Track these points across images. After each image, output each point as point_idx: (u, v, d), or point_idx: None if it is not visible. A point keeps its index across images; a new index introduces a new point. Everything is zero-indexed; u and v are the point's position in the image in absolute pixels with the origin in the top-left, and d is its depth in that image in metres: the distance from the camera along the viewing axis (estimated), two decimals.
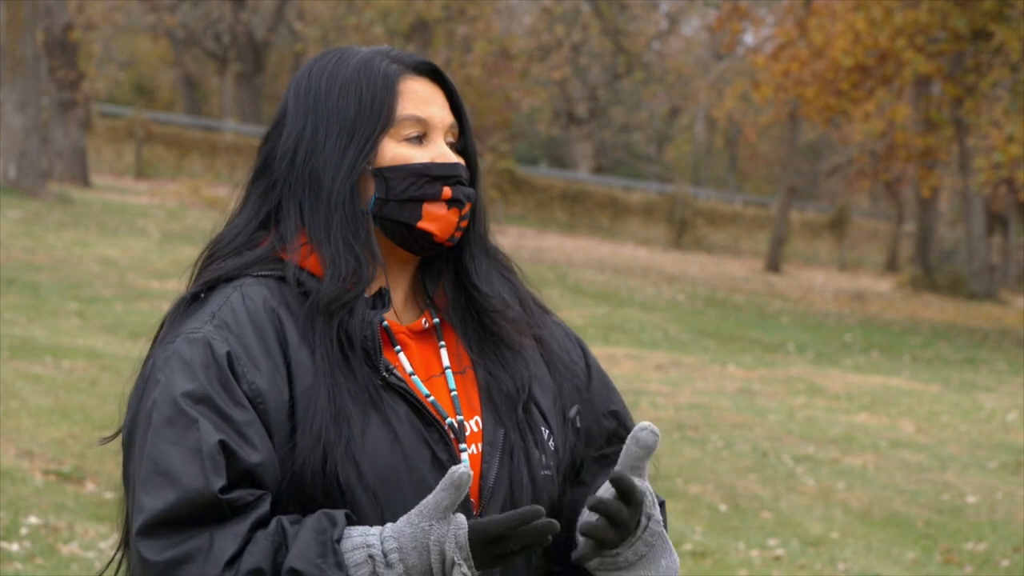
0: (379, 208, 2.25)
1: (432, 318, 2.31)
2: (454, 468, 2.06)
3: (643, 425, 2.22)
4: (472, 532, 2.08)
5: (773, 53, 27.45)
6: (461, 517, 2.09)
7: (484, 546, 2.08)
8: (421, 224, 2.25)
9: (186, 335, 2.18)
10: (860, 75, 24.70)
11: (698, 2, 39.01)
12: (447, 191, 2.25)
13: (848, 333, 20.47)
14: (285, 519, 2.10)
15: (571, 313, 18.50)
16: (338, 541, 2.07)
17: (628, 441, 2.22)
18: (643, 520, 2.21)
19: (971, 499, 10.03)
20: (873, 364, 17.19)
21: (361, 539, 2.08)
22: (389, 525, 2.10)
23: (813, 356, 17.34)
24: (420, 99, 2.27)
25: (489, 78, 32.97)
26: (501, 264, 2.39)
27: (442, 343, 2.30)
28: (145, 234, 21.38)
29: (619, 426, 2.43)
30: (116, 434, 2.26)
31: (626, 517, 2.19)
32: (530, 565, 2.28)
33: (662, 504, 2.33)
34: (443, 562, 2.06)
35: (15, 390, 9.96)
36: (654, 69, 41.82)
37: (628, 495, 2.18)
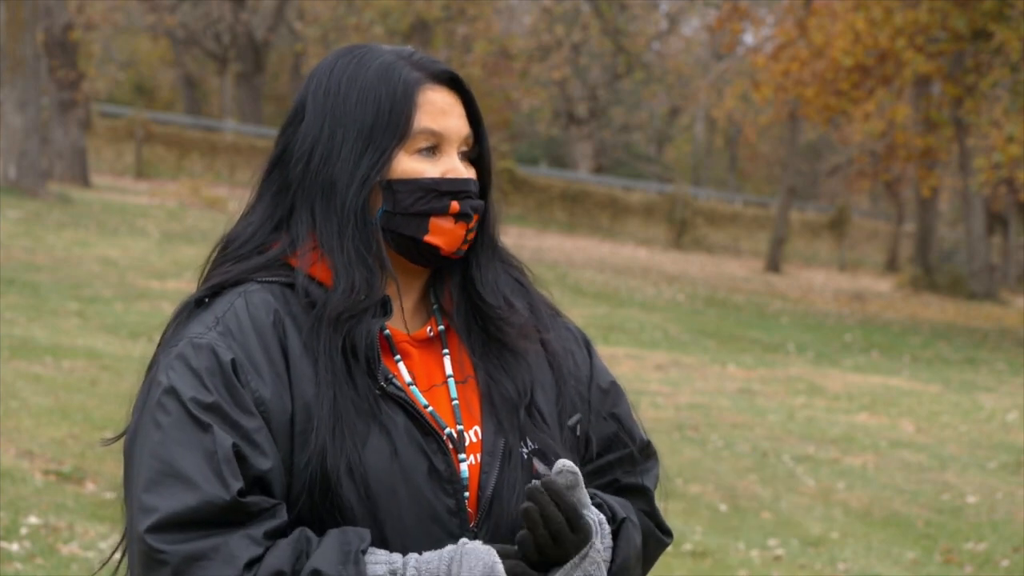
0: (386, 221, 2.23)
1: (437, 325, 2.30)
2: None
3: (559, 465, 2.19)
4: (507, 567, 2.12)
5: (773, 53, 27.45)
6: (491, 551, 2.12)
7: None
8: (428, 238, 2.24)
9: (190, 340, 2.18)
10: (860, 75, 24.71)
11: (698, 2, 39.01)
12: (455, 206, 2.24)
13: (848, 333, 20.47)
14: (308, 530, 2.12)
15: (571, 313, 18.35)
16: (363, 552, 2.09)
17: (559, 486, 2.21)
18: (585, 549, 2.19)
19: (971, 499, 10.03)
20: (873, 364, 17.19)
21: (385, 556, 2.11)
22: (414, 555, 2.13)
23: (813, 356, 17.34)
24: (437, 111, 2.26)
25: (489, 78, 32.97)
26: (511, 267, 2.38)
27: (446, 351, 2.29)
28: (145, 234, 21.38)
29: (620, 429, 2.40)
30: (119, 436, 2.25)
31: (566, 537, 2.17)
32: None
33: (623, 521, 2.30)
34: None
35: (15, 390, 9.96)
36: (654, 69, 41.82)
37: (567, 511, 2.17)
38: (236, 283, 2.24)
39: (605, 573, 2.22)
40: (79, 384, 10.40)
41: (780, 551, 8.34)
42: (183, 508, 2.08)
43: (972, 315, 25.89)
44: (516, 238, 29.92)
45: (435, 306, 2.31)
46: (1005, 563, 8.50)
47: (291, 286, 2.22)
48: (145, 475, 2.11)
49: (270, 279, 2.23)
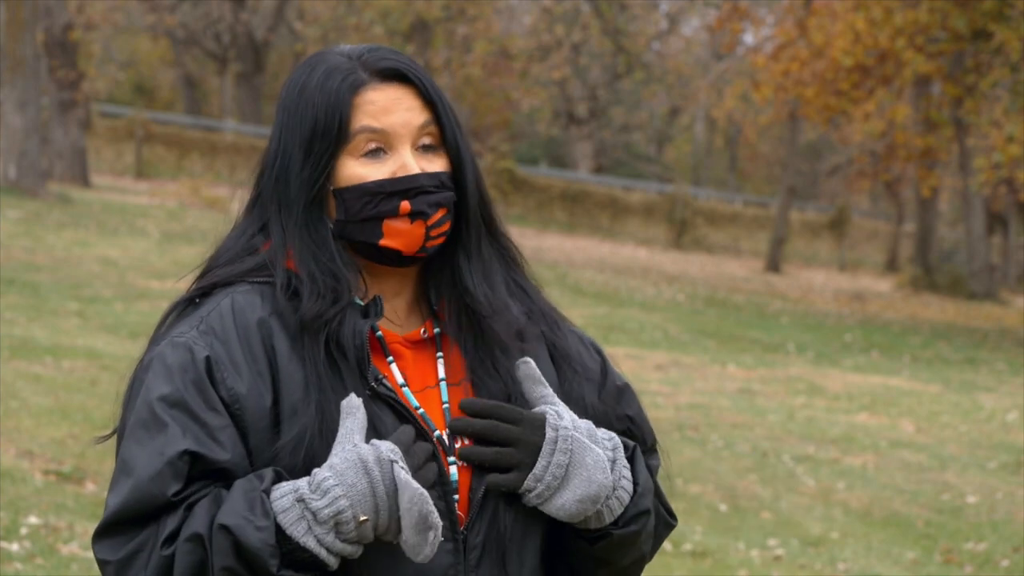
0: (340, 229, 2.22)
1: (433, 328, 2.29)
2: (345, 400, 2.11)
3: (517, 362, 2.25)
4: (394, 442, 2.11)
5: (773, 53, 27.46)
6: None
7: (406, 458, 2.10)
8: (383, 242, 2.21)
9: (171, 339, 2.20)
10: (860, 75, 24.71)
11: (698, 2, 39.01)
12: (405, 205, 2.20)
13: (848, 333, 20.47)
14: (223, 490, 2.11)
15: (571, 313, 18.37)
16: (267, 492, 2.08)
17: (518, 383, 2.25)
18: (550, 432, 2.19)
19: (971, 499, 10.03)
20: (873, 364, 17.19)
21: (290, 486, 2.09)
22: (319, 471, 2.10)
23: (813, 356, 17.34)
24: (378, 109, 2.21)
25: (489, 78, 32.98)
26: (511, 262, 2.37)
27: (440, 354, 2.28)
28: (145, 234, 21.38)
29: (632, 428, 2.39)
30: (111, 433, 2.27)
31: (514, 433, 2.18)
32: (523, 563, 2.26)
33: (634, 448, 2.30)
34: (380, 466, 2.06)
35: (15, 390, 9.96)
36: (654, 69, 41.83)
37: (488, 411, 2.18)
38: (227, 284, 2.25)
39: (584, 440, 2.20)
40: (79, 384, 10.40)
41: (780, 551, 8.33)
42: (123, 505, 2.11)
43: (972, 315, 25.89)
44: (516, 238, 29.76)
45: (432, 308, 2.30)
46: (1005, 563, 8.50)
47: (284, 288, 2.22)
48: (113, 475, 2.17)
49: (260, 280, 2.23)
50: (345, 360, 2.18)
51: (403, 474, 2.06)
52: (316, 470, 2.08)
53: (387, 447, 2.08)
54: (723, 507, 9.24)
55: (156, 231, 21.94)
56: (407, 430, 2.13)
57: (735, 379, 14.68)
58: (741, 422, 12.15)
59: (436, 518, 2.06)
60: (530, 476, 2.18)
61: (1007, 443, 12.22)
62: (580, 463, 2.18)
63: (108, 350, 11.83)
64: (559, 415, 2.21)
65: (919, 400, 14.34)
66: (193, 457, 2.11)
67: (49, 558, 6.68)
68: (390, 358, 2.24)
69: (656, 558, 7.98)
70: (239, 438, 2.14)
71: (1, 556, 6.66)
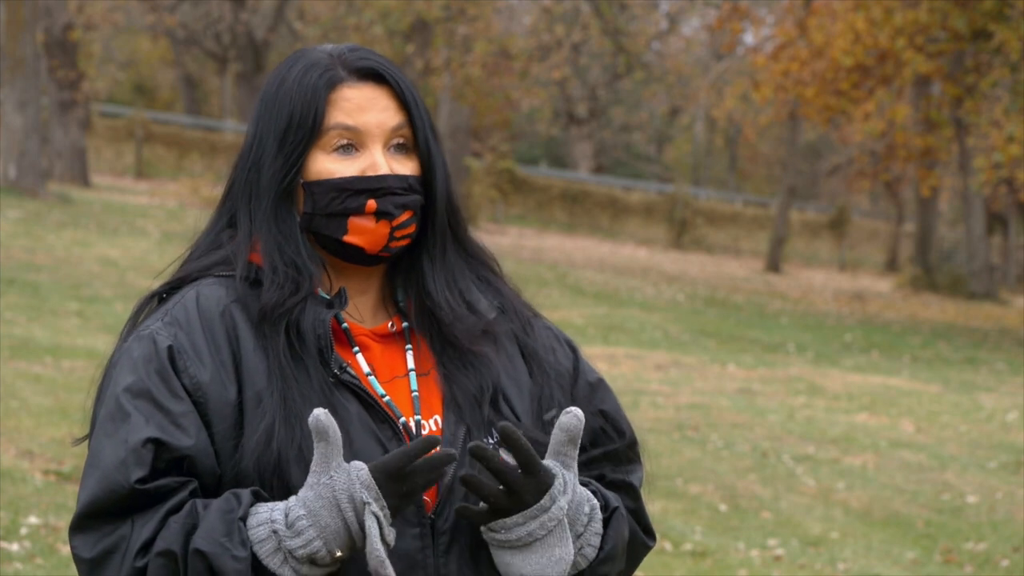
0: (307, 222, 2.25)
1: (401, 322, 2.30)
2: (311, 416, 2.08)
3: (568, 408, 2.21)
4: (374, 471, 2.09)
5: (773, 53, 27.45)
6: (357, 462, 2.10)
7: (389, 484, 2.09)
8: (347, 238, 2.23)
9: (137, 333, 2.24)
10: (860, 75, 24.70)
11: (698, 2, 39.01)
12: (371, 204, 2.22)
13: (848, 333, 20.47)
14: (200, 502, 2.12)
15: (571, 313, 18.50)
16: (244, 519, 2.09)
17: (555, 427, 2.20)
18: (546, 501, 2.17)
19: (971, 499, 10.03)
20: (873, 364, 17.19)
21: (266, 515, 2.09)
22: (293, 496, 2.10)
23: (813, 356, 17.33)
24: (353, 107, 2.24)
25: (489, 78, 32.93)
26: (480, 265, 2.37)
27: (408, 346, 2.29)
28: (145, 234, 21.39)
29: (607, 424, 2.39)
30: (87, 436, 2.30)
31: (519, 483, 2.15)
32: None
33: (614, 510, 2.28)
34: (354, 508, 2.07)
35: (15, 390, 9.96)
36: (654, 69, 41.80)
37: (519, 452, 2.14)
38: (194, 279, 2.27)
39: (567, 528, 2.19)
40: (79, 384, 10.39)
41: (780, 551, 8.34)
42: (91, 498, 2.16)
43: (972, 315, 25.89)
44: (516, 238, 29.91)
45: (400, 304, 2.32)
46: (1005, 563, 8.50)
47: (244, 279, 2.25)
48: (84, 467, 2.21)
49: (226, 273, 2.26)
50: (307, 349, 2.20)
51: (371, 524, 2.06)
52: (292, 503, 2.09)
53: (361, 484, 2.07)
54: (723, 507, 9.24)
55: (156, 231, 21.94)
56: (405, 453, 2.10)
57: (735, 379, 14.68)
58: (741, 422, 12.14)
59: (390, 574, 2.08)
60: (501, 521, 2.17)
61: (1007, 443, 12.22)
62: (546, 549, 2.17)
63: (108, 350, 11.82)
64: (564, 488, 2.19)
65: (919, 400, 14.34)
66: (157, 444, 2.13)
67: (49, 558, 6.68)
68: (356, 348, 2.25)
69: (656, 557, 7.96)
70: (202, 425, 2.16)
71: (1, 556, 6.66)
